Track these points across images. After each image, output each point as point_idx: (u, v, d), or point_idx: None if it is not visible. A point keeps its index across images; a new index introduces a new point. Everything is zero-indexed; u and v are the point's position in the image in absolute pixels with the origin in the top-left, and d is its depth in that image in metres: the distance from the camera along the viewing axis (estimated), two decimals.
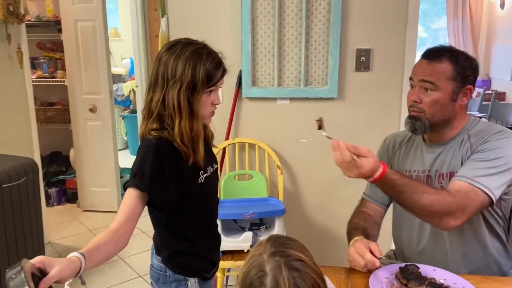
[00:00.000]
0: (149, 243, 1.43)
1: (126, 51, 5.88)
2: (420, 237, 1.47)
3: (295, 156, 2.49)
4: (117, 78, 5.63)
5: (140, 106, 5.26)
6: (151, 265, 1.39)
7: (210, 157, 1.40)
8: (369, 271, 1.30)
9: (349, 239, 1.42)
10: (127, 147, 5.95)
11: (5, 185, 2.09)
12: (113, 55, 5.45)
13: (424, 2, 5.83)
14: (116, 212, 4.16)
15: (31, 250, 2.32)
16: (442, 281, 1.22)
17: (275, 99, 2.42)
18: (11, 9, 2.67)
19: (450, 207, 1.24)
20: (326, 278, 1.11)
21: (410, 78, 1.44)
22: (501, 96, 4.89)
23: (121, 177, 3.99)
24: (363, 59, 2.33)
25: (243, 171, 2.45)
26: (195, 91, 1.21)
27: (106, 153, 3.79)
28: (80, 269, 0.96)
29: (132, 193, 1.17)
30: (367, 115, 2.41)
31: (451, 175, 1.37)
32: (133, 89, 5.53)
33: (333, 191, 2.51)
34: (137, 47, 5.09)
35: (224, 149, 2.45)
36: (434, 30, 6.51)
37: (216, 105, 1.31)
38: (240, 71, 2.38)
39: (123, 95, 5.83)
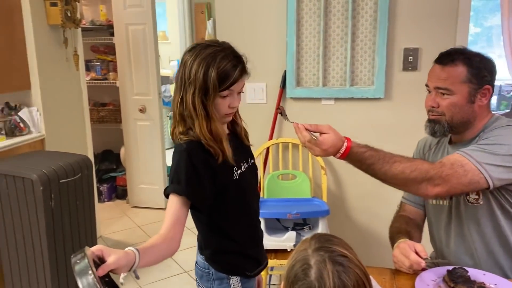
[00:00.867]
0: (194, 240, 1.47)
1: (174, 53, 6.06)
2: (448, 237, 1.46)
3: None
4: (165, 80, 5.81)
5: None
6: (196, 262, 1.43)
7: (244, 153, 1.40)
8: (415, 273, 1.28)
9: (393, 243, 1.42)
10: (173, 146, 6.11)
11: (63, 181, 2.22)
12: (161, 57, 5.63)
13: None
14: (163, 209, 4.32)
15: (84, 242, 2.45)
16: (492, 286, 1.18)
17: (319, 99, 2.42)
18: (69, 15, 2.83)
19: (426, 173, 1.25)
20: (372, 278, 1.11)
21: (426, 85, 1.46)
22: None
23: (168, 175, 4.11)
24: (411, 59, 2.28)
25: (287, 170, 2.46)
26: (208, 94, 1.21)
27: (154, 152, 3.92)
28: (134, 263, 1.00)
29: (173, 198, 1.20)
30: (415, 116, 2.35)
31: None
32: None
33: (378, 193, 2.47)
34: (184, 49, 5.24)
35: (267, 148, 2.48)
36: (487, 27, 6.24)
37: (234, 108, 1.28)
38: (285, 71, 2.40)
39: (170, 96, 6.01)
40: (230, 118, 1.32)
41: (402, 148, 2.37)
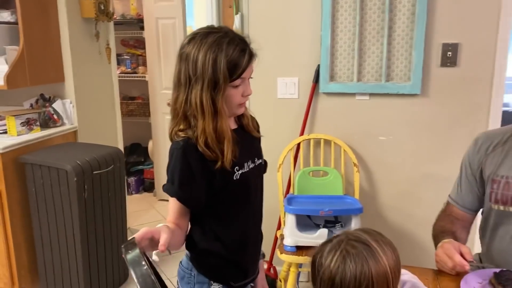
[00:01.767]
0: None
1: None
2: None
3: (372, 154, 2.42)
4: None
5: None
6: (180, 261, 1.32)
7: (252, 151, 1.29)
8: (458, 274, 1.24)
9: (436, 242, 1.36)
10: None
11: (96, 172, 2.25)
12: None
13: None
14: None
15: (115, 233, 2.48)
16: None
17: (353, 94, 2.37)
18: (102, 8, 2.86)
19: None
20: (417, 279, 1.07)
21: None
22: None
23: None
24: (449, 54, 2.21)
25: (318, 167, 2.43)
26: (217, 87, 1.11)
27: None
28: None
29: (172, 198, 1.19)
30: (453, 113, 2.29)
31: None
32: None
33: (413, 192, 2.41)
34: None
35: (298, 144, 2.45)
36: None
37: (248, 96, 1.18)
38: (318, 66, 2.36)
39: None
40: (243, 109, 1.23)
41: (437, 146, 2.32)
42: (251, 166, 1.25)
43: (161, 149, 4.00)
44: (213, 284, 1.26)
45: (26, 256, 2.44)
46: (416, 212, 2.41)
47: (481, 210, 1.48)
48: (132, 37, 4.19)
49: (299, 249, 2.09)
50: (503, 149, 1.39)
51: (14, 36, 2.56)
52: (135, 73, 4.09)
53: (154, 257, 1.05)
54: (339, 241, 0.85)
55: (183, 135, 1.16)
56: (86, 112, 2.91)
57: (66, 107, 2.78)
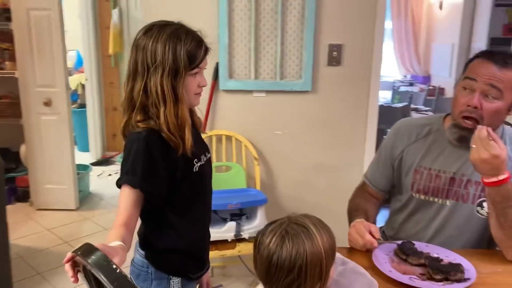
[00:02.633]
0: None
1: (72, 43, 5.60)
2: (423, 230, 1.51)
3: (270, 147, 2.56)
4: None
5: (90, 100, 5.07)
6: (133, 260, 1.32)
7: (202, 146, 1.36)
8: (367, 251, 1.39)
9: (350, 219, 1.49)
10: (74, 143, 5.70)
11: None
12: None
13: None
14: (74, 210, 3.98)
15: None
16: (435, 255, 1.34)
17: (251, 91, 2.46)
18: None
19: None
20: (354, 263, 1.17)
21: (470, 78, 1.32)
22: (441, 91, 5.28)
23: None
24: (335, 54, 2.44)
25: (221, 162, 2.48)
26: (178, 75, 1.15)
27: (62, 148, 3.63)
28: None
29: (127, 190, 1.14)
30: (338, 108, 2.53)
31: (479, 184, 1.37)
32: (81, 83, 5.30)
33: (306, 180, 2.61)
34: (86, 39, 4.91)
35: None
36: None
37: (203, 87, 1.26)
38: (217, 63, 2.40)
39: (70, 88, 5.57)
40: (199, 100, 1.28)
41: (326, 138, 2.54)
42: (204, 159, 1.31)
43: (37, 153, 3.62)
44: (172, 278, 1.27)
45: None
46: (310, 198, 2.61)
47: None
48: None
49: (210, 244, 2.11)
50: (425, 141, 1.50)
51: None
52: (2, 69, 3.63)
53: None
54: (281, 223, 0.92)
55: (143, 126, 1.16)
56: None
57: None
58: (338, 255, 1.03)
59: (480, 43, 4.89)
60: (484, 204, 1.41)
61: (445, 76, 5.49)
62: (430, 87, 5.33)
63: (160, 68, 1.14)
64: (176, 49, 1.14)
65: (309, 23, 2.36)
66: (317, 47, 2.42)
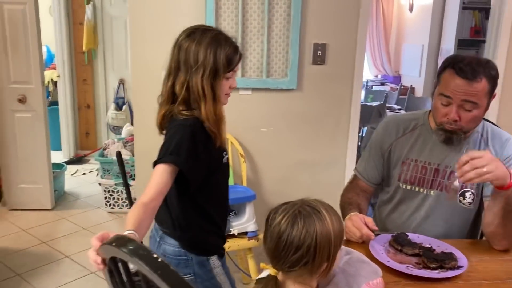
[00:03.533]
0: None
1: (44, 38, 5.45)
2: (409, 219, 1.59)
3: (256, 145, 2.59)
4: None
5: (63, 98, 4.94)
6: (164, 254, 1.39)
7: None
8: (363, 242, 1.44)
9: (344, 213, 1.53)
10: None
11: None
12: None
13: None
14: (49, 210, 3.90)
15: None
16: (427, 245, 1.41)
17: (237, 89, 2.48)
18: None
19: None
20: (359, 253, 1.21)
21: (445, 95, 1.43)
22: (412, 90, 5.45)
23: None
24: (319, 53, 2.49)
25: None
26: (217, 76, 1.28)
27: (37, 146, 3.53)
28: None
29: (165, 169, 1.19)
30: (322, 105, 2.59)
31: None
32: (52, 79, 5.15)
33: (290, 176, 2.65)
34: (59, 35, 4.78)
35: None
36: None
37: (233, 88, 1.39)
38: None
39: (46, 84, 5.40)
40: (227, 100, 1.40)
41: (310, 135, 2.59)
42: (227, 153, 1.47)
43: (10, 152, 3.51)
44: (211, 257, 1.40)
45: None
46: (294, 193, 2.60)
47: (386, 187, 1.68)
48: None
49: None
50: (412, 135, 1.60)
51: None
52: None
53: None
54: (294, 203, 0.97)
55: (188, 114, 1.27)
56: None
57: None
58: (341, 246, 1.07)
59: (449, 44, 5.09)
60: (467, 194, 1.51)
61: (415, 76, 5.67)
62: (402, 87, 5.49)
63: (201, 69, 1.25)
64: (217, 52, 1.26)
65: (294, 22, 2.40)
66: (303, 46, 2.47)
